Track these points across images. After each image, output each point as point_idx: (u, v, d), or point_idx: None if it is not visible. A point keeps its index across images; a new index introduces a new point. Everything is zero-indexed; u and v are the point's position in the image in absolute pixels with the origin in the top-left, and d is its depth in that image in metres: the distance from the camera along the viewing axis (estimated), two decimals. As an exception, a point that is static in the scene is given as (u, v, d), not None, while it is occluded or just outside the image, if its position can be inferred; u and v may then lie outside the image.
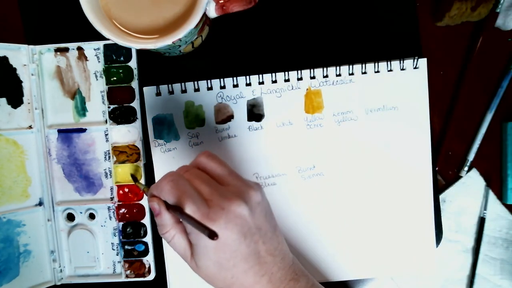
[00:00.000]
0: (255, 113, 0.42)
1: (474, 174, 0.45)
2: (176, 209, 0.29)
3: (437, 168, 0.45)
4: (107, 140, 0.43)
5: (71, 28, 0.43)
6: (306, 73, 0.41)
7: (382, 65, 0.41)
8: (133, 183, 0.42)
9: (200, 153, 0.32)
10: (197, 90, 0.42)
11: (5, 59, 0.41)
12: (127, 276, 0.43)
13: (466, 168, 0.45)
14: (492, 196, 0.45)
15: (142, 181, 0.43)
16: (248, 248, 0.29)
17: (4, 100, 0.41)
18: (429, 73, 0.41)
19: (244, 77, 0.42)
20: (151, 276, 0.43)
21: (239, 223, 0.29)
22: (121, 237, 0.43)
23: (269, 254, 0.31)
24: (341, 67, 0.41)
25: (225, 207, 0.29)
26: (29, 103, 0.42)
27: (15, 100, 0.42)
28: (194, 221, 0.28)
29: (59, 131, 0.43)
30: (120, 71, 0.42)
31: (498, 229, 0.45)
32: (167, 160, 0.43)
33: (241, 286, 0.30)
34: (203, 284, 0.43)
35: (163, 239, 0.43)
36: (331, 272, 0.43)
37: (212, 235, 0.26)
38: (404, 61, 0.41)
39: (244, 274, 0.30)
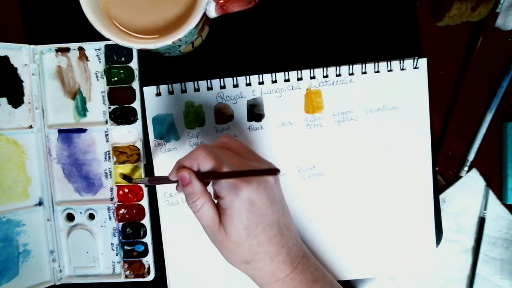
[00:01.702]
0: (255, 113, 0.42)
1: (474, 174, 0.45)
2: (210, 175, 0.30)
3: (437, 168, 0.45)
4: (107, 141, 0.43)
5: (72, 28, 0.43)
6: (306, 73, 0.42)
7: (382, 65, 0.41)
8: (130, 183, 0.42)
9: (221, 136, 0.34)
10: (197, 90, 0.42)
11: (6, 58, 0.41)
12: (126, 277, 0.43)
13: (466, 168, 0.45)
14: (492, 196, 0.45)
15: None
16: (273, 214, 0.31)
17: (4, 99, 0.41)
18: (429, 73, 0.41)
19: (244, 77, 0.42)
20: (150, 277, 0.43)
21: (268, 188, 0.31)
22: (120, 237, 0.43)
23: (286, 228, 0.33)
24: (341, 67, 0.41)
25: None
26: (29, 103, 0.42)
27: (16, 99, 0.42)
28: (243, 172, 0.29)
29: (60, 131, 0.43)
30: (121, 71, 0.42)
31: (498, 229, 0.45)
32: (167, 160, 0.43)
33: (264, 255, 0.32)
34: (203, 285, 0.43)
35: (163, 241, 0.43)
36: (332, 272, 0.43)
37: (275, 170, 0.28)
38: (404, 61, 0.41)
39: (269, 242, 0.31)
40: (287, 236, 0.33)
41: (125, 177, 0.42)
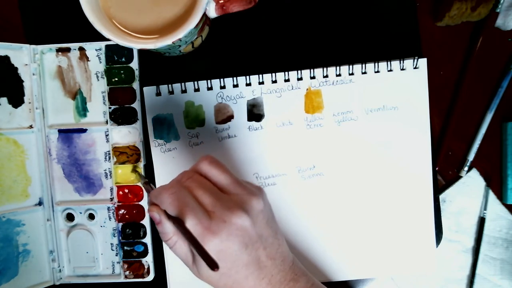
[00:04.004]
0: (255, 113, 0.42)
1: (474, 174, 0.45)
2: (177, 222, 0.29)
3: (437, 168, 0.45)
4: (107, 141, 0.43)
5: (73, 28, 0.43)
6: (306, 73, 0.42)
7: (382, 65, 0.41)
8: (134, 183, 0.42)
9: (202, 158, 0.32)
10: (197, 90, 0.42)
11: (6, 58, 0.41)
12: (126, 277, 0.43)
13: (466, 168, 0.45)
14: (492, 196, 0.45)
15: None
16: (249, 256, 0.30)
17: (5, 99, 0.41)
18: (429, 73, 0.41)
19: (244, 77, 0.42)
20: (150, 277, 0.43)
21: (241, 234, 0.29)
22: (120, 237, 0.43)
23: (270, 259, 0.31)
24: (341, 67, 0.41)
25: (227, 220, 0.29)
26: (30, 102, 0.42)
27: (16, 99, 0.42)
28: (195, 245, 0.28)
29: (60, 131, 0.43)
30: (122, 72, 0.42)
31: (498, 229, 0.45)
32: (167, 160, 0.43)
33: None
34: (203, 285, 0.43)
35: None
36: (331, 272, 0.43)
37: (213, 266, 0.26)
38: (404, 61, 0.41)
39: (245, 279, 0.30)
40: (269, 267, 0.31)
41: (134, 169, 0.42)
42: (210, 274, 0.30)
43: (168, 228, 0.30)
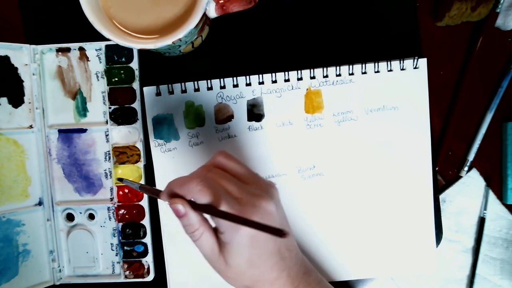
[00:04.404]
0: (255, 113, 0.42)
1: (474, 174, 0.45)
2: (207, 209, 0.28)
3: (437, 168, 0.45)
4: (107, 141, 0.43)
5: (73, 28, 0.43)
6: (306, 73, 0.42)
7: (382, 65, 0.41)
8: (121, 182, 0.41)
9: (217, 153, 0.32)
10: (197, 90, 0.42)
11: (6, 58, 0.41)
12: (126, 277, 0.43)
13: (466, 168, 0.45)
14: (492, 196, 0.45)
15: (142, 182, 0.43)
16: (275, 243, 0.30)
17: (5, 99, 0.41)
18: (429, 73, 0.41)
19: (244, 77, 0.42)
20: (150, 277, 0.43)
21: (270, 220, 0.30)
22: (120, 237, 0.43)
23: (287, 249, 0.32)
24: (341, 67, 0.41)
25: (257, 205, 0.29)
26: (30, 102, 0.42)
27: (16, 99, 0.42)
28: (246, 221, 0.27)
29: (60, 131, 0.43)
30: (122, 72, 0.42)
31: (498, 229, 0.45)
32: (167, 160, 0.43)
33: (265, 282, 0.31)
34: (203, 285, 0.43)
35: (163, 241, 0.43)
36: (332, 272, 0.43)
37: (280, 233, 0.25)
38: (404, 61, 0.41)
39: (270, 270, 0.31)
40: (287, 258, 0.32)
41: (120, 178, 0.41)
42: (240, 263, 0.30)
43: (194, 220, 0.29)
